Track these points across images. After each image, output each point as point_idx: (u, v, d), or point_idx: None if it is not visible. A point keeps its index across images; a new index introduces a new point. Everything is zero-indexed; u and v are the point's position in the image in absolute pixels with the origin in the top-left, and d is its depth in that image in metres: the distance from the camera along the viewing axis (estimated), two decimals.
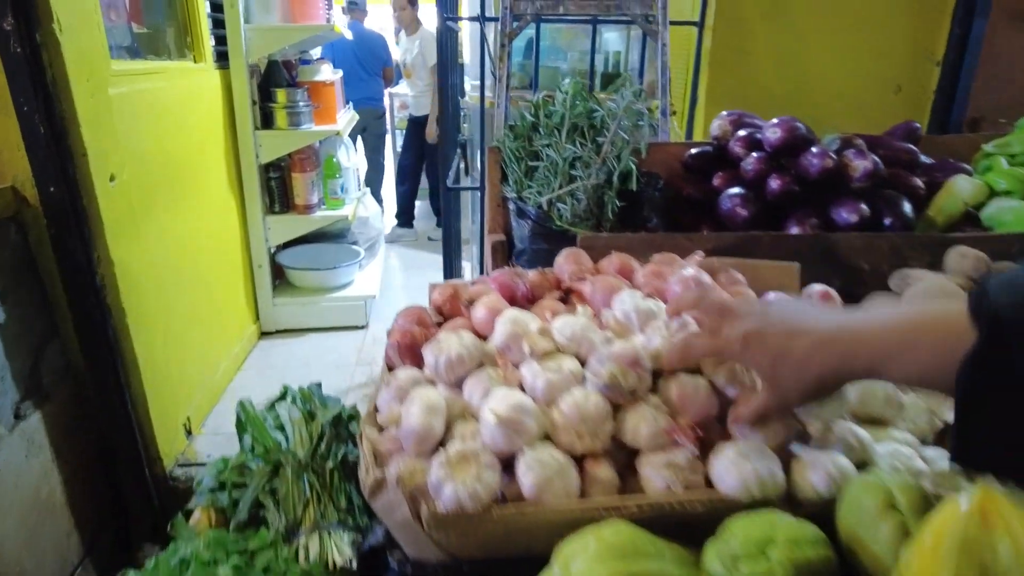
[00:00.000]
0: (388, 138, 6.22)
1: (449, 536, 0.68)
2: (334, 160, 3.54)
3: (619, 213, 1.58)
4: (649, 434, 0.72)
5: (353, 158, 3.93)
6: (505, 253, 1.65)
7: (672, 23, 1.96)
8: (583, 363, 0.79)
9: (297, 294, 3.57)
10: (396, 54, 5.64)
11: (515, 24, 1.91)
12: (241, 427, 1.61)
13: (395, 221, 5.60)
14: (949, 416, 0.82)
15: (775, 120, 1.52)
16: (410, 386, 0.80)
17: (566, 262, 1.11)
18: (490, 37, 2.21)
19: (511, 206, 1.65)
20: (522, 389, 0.77)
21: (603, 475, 0.71)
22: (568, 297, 1.09)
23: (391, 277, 4.60)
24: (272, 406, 1.61)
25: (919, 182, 1.47)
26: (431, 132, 5.09)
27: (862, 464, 0.72)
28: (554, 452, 0.70)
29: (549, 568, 0.62)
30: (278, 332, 3.53)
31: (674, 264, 1.11)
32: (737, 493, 0.67)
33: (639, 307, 0.82)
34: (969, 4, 2.07)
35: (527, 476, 0.68)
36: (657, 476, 0.70)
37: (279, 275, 3.59)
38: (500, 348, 0.81)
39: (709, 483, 0.71)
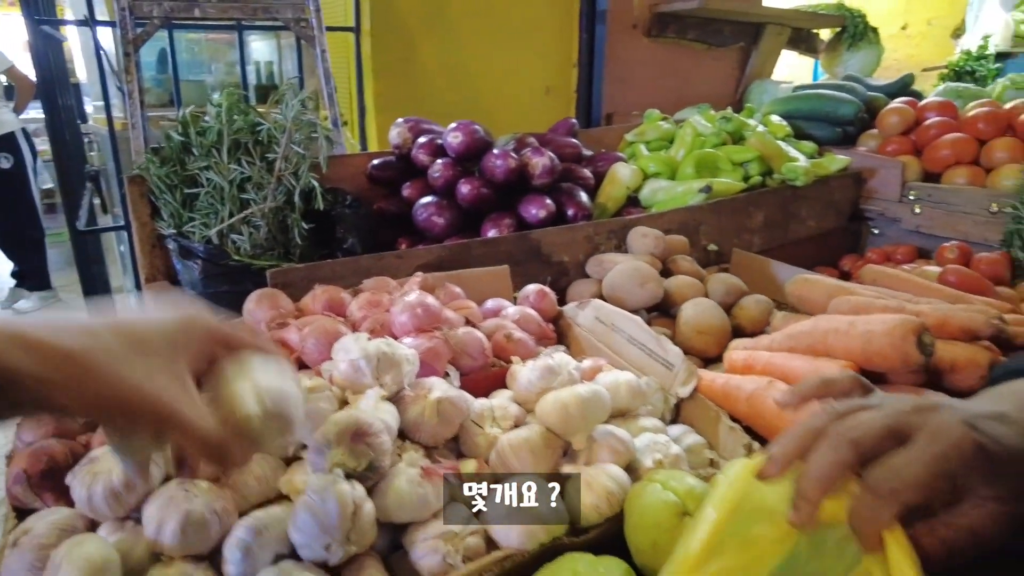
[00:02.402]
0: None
1: None
2: None
3: (309, 237, 1.40)
4: (413, 505, 0.59)
5: None
6: None
7: (327, 29, 1.82)
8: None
9: None
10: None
11: (140, 29, 1.58)
12: None
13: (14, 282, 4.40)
14: (680, 391, 0.85)
15: (454, 125, 1.49)
16: (56, 539, 0.54)
17: (259, 307, 0.91)
18: (109, 45, 1.81)
19: (171, 245, 1.35)
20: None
21: None
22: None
23: None
24: None
25: (588, 173, 1.58)
26: None
27: (629, 466, 0.69)
28: (299, 572, 0.53)
29: None
30: None
31: (388, 289, 0.99)
32: (525, 545, 0.58)
33: (369, 352, 0.68)
34: (590, 13, 2.35)
35: None
36: (432, 553, 0.57)
37: None
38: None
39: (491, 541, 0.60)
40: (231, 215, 1.32)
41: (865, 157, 1.92)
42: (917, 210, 1.81)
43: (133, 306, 0.49)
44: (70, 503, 0.62)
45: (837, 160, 1.82)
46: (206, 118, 1.39)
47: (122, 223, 2.53)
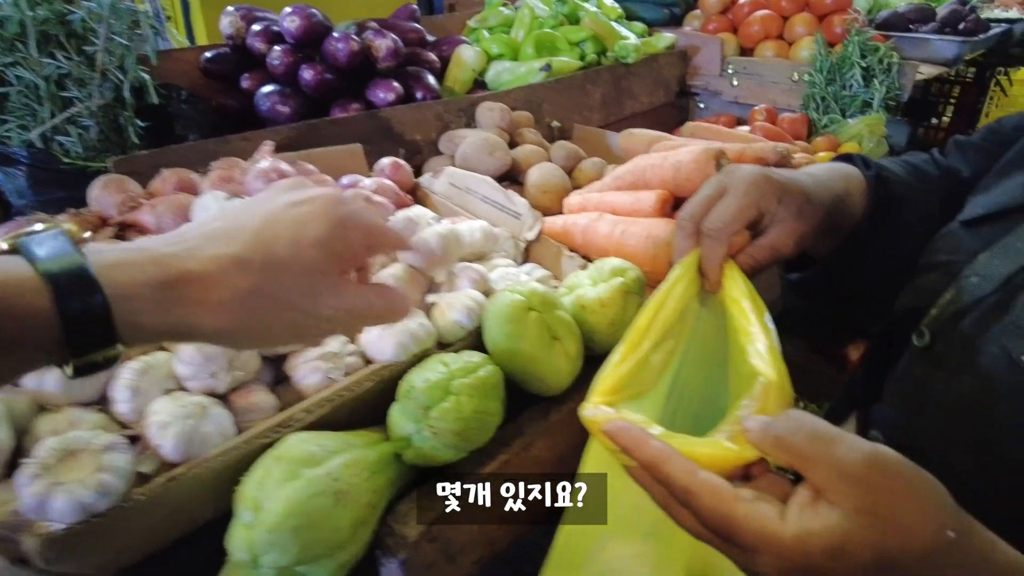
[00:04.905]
0: None
1: (84, 557, 0.51)
2: None
3: (146, 137, 1.33)
4: None
5: None
6: None
7: None
8: None
9: None
10: None
11: None
12: None
13: None
14: (527, 236, 0.94)
15: (289, 9, 1.44)
16: None
17: (106, 192, 0.89)
18: None
19: None
20: None
21: (258, 400, 0.61)
22: (125, 235, 0.88)
23: None
24: None
25: (433, 56, 1.60)
26: None
27: (486, 292, 0.78)
28: (189, 398, 0.58)
29: (236, 518, 0.52)
30: None
31: (239, 168, 0.99)
32: (400, 357, 0.66)
33: (227, 209, 0.70)
34: None
35: (165, 437, 0.54)
36: (313, 372, 0.64)
37: None
38: None
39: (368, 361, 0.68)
40: (52, 115, 1.22)
41: (690, 36, 2.07)
42: (735, 82, 2.00)
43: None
44: None
45: (664, 38, 1.95)
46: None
47: None
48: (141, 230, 0.87)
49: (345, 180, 1.07)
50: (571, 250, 0.89)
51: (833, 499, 0.37)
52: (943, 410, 0.56)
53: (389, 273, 0.73)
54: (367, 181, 1.04)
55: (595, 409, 0.47)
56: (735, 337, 0.53)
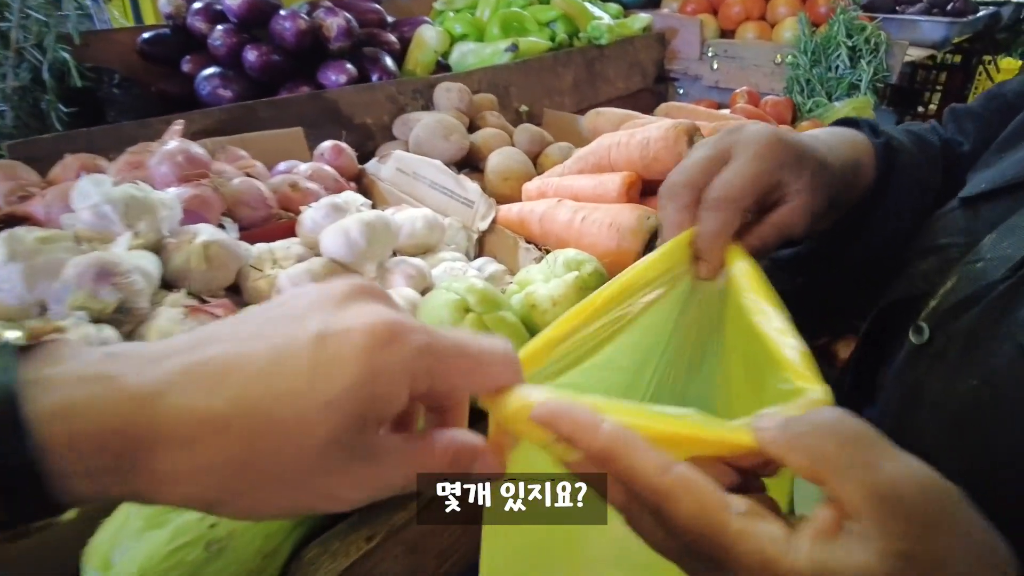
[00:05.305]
0: None
1: None
2: None
3: (72, 123, 1.21)
4: None
5: None
6: None
7: None
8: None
9: None
10: None
11: None
12: None
13: None
14: (480, 225, 0.84)
15: None
16: None
17: None
18: None
19: None
20: None
21: None
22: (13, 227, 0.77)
23: None
24: None
25: (392, 38, 1.49)
26: None
27: (426, 291, 0.68)
28: None
29: None
30: None
31: (151, 152, 0.88)
32: None
33: (114, 196, 0.60)
34: None
35: None
36: None
37: None
38: None
39: None
40: None
41: (667, 17, 1.98)
42: (715, 66, 1.91)
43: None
44: None
45: (639, 19, 1.86)
46: None
47: None
48: (33, 222, 0.75)
49: (281, 166, 0.96)
50: (528, 241, 0.79)
51: (866, 528, 0.26)
52: (941, 414, 0.47)
53: (305, 268, 0.63)
54: (303, 166, 0.93)
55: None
56: (745, 337, 0.42)
